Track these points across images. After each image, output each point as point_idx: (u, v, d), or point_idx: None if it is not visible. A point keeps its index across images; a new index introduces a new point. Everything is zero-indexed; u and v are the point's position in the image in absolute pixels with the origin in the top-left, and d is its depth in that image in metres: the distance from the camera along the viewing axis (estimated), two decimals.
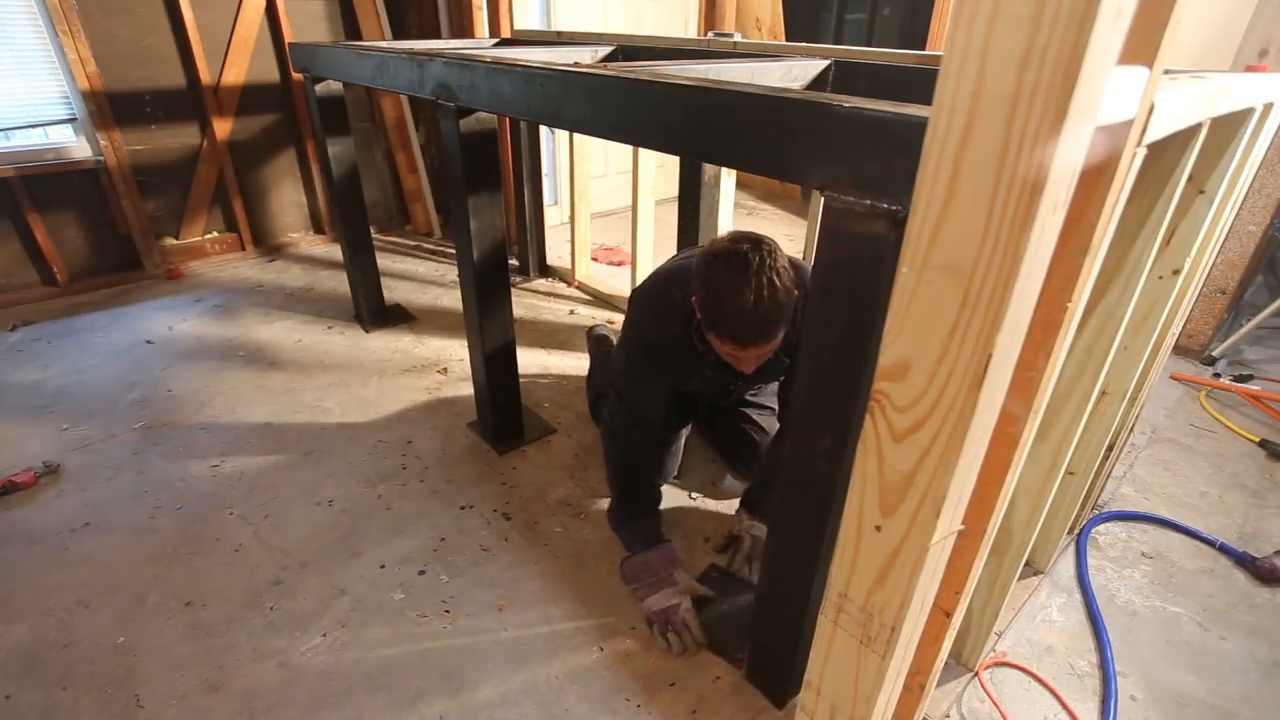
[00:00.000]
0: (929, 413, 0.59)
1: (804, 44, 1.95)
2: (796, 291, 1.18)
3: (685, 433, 1.76)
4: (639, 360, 1.48)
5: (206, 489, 1.75)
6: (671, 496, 1.76)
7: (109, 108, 2.69)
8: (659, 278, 1.50)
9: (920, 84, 1.51)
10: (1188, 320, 2.25)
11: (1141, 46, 0.53)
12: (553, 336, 2.58)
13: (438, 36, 3.23)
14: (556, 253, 3.25)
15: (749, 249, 1.16)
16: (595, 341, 2.24)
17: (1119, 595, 1.50)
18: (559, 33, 2.45)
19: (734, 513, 1.62)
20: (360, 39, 3.26)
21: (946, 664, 1.25)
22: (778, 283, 1.14)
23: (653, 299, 1.46)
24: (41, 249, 2.69)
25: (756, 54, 1.80)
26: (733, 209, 2.38)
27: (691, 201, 2.23)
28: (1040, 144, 0.45)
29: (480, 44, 2.46)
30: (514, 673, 1.29)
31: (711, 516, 1.70)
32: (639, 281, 2.08)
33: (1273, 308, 2.41)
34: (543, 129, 3.00)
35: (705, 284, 1.19)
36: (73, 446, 1.89)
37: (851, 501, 0.70)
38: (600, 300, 2.93)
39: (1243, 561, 1.59)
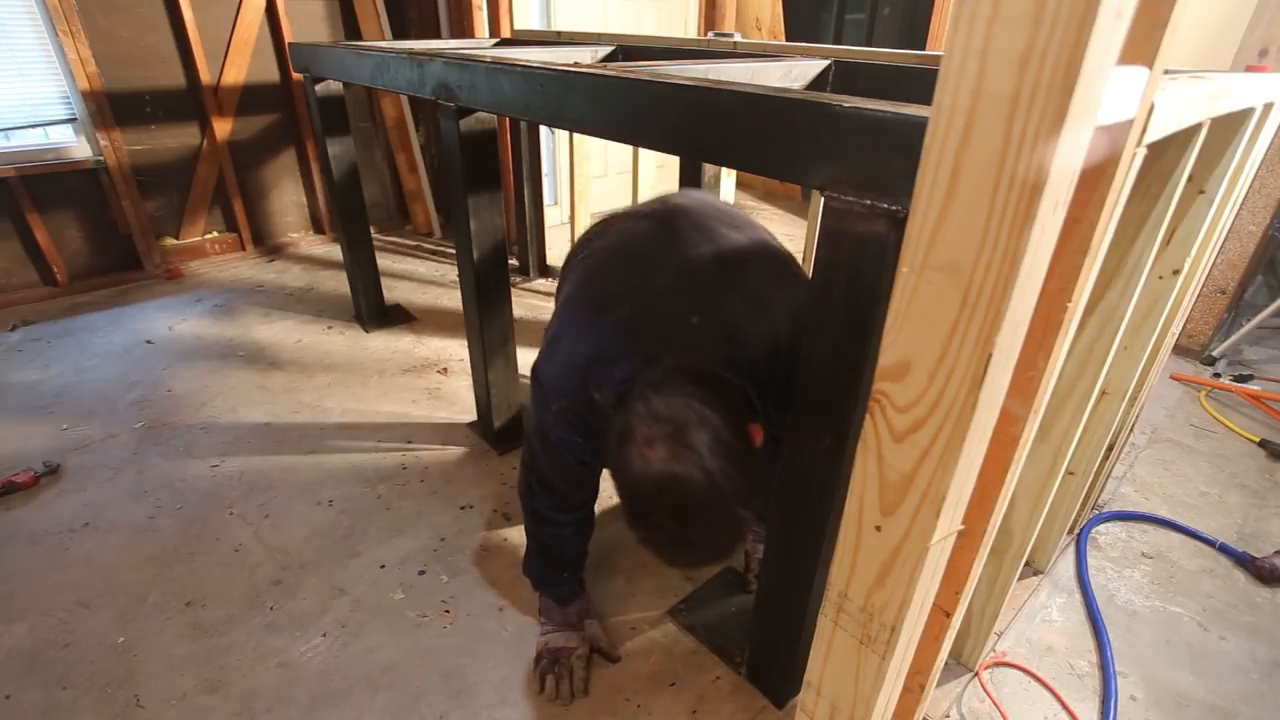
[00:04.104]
0: (929, 413, 0.59)
1: (804, 44, 1.95)
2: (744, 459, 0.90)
3: None
4: (562, 458, 1.16)
5: (206, 489, 1.75)
6: None
7: (109, 108, 2.69)
8: (569, 373, 1.07)
9: (920, 84, 1.51)
10: (1188, 320, 2.25)
11: (1141, 46, 0.53)
12: None
13: (438, 36, 3.23)
14: (557, 253, 3.25)
15: (673, 479, 0.85)
16: None
17: (1119, 595, 1.50)
18: (559, 33, 2.45)
19: None
20: (360, 39, 3.26)
21: (946, 664, 1.25)
22: (718, 498, 0.87)
23: (571, 400, 1.08)
24: (41, 249, 2.69)
25: (756, 54, 1.80)
26: None
27: None
28: (1040, 144, 0.45)
29: (480, 44, 2.46)
30: (514, 673, 1.29)
31: None
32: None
33: (1273, 308, 2.41)
34: (543, 129, 3.00)
35: (631, 510, 0.92)
36: (73, 446, 1.89)
37: (851, 501, 0.70)
38: None
39: (1243, 561, 1.59)
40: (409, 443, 1.94)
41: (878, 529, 0.68)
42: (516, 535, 1.62)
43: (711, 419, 0.89)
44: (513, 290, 1.78)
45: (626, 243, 1.18)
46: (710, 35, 2.39)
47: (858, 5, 4.25)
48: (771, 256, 1.15)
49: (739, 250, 1.11)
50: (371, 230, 2.52)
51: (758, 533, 1.49)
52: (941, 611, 0.81)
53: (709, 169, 2.18)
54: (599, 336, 1.05)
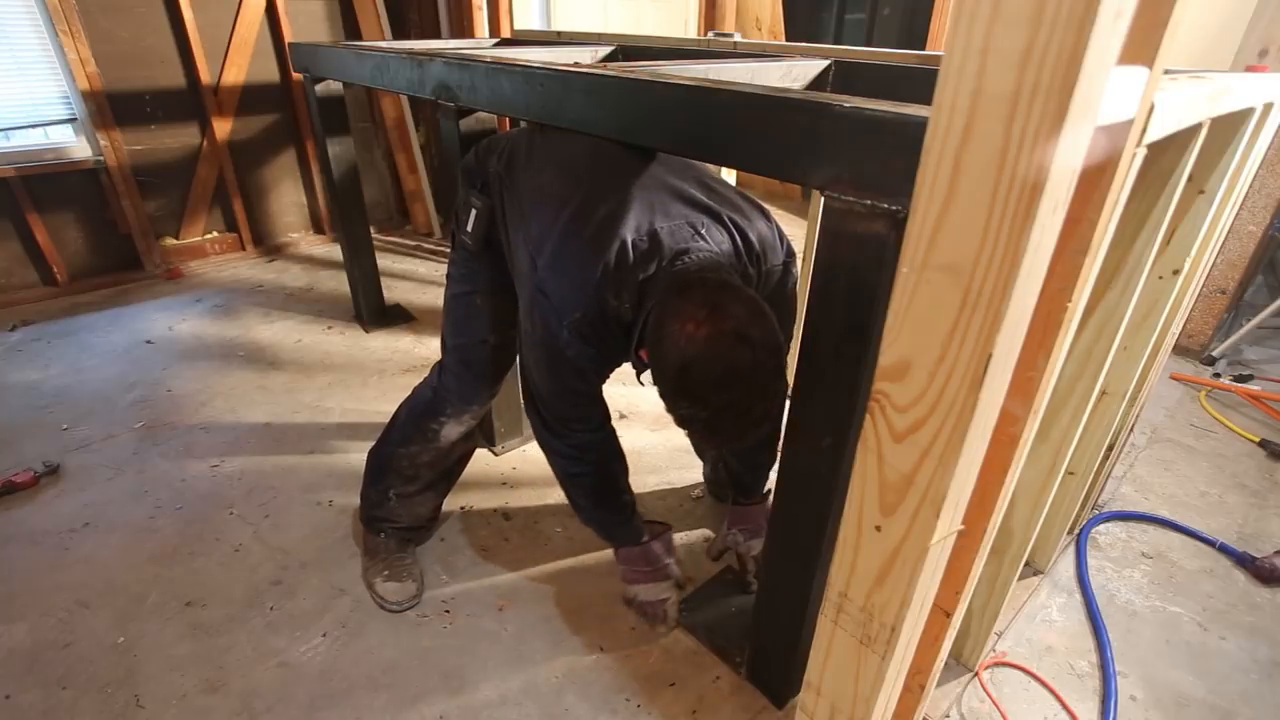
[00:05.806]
0: (929, 413, 0.59)
1: (804, 44, 1.95)
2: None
3: None
4: (575, 376, 1.15)
5: (206, 489, 1.75)
6: (672, 495, 1.76)
7: (109, 108, 2.69)
8: (584, 282, 1.04)
9: (920, 84, 1.51)
10: (1188, 320, 2.25)
11: (1141, 46, 0.53)
12: None
13: (438, 36, 3.23)
14: None
15: (717, 347, 0.90)
16: None
17: (1119, 595, 1.50)
18: (559, 33, 2.45)
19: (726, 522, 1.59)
20: (360, 39, 3.25)
21: (946, 664, 1.25)
22: (759, 365, 0.92)
23: (585, 311, 1.05)
24: (41, 249, 2.69)
25: (756, 54, 1.80)
26: None
27: None
28: (1040, 144, 0.45)
29: (480, 44, 2.46)
30: (514, 673, 1.29)
31: (711, 512, 1.70)
32: None
33: (1273, 308, 2.41)
34: None
35: (675, 390, 0.95)
36: (73, 446, 1.89)
37: (851, 501, 0.70)
38: None
39: (1243, 561, 1.59)
40: None
41: (878, 529, 0.68)
42: (516, 535, 1.62)
43: (744, 292, 0.97)
44: None
45: (600, 152, 1.15)
46: (710, 35, 2.39)
47: (858, 5, 4.25)
48: (715, 178, 1.22)
49: (705, 171, 1.21)
50: (371, 230, 2.52)
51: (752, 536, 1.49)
52: (941, 611, 0.81)
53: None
54: (614, 243, 1.04)
